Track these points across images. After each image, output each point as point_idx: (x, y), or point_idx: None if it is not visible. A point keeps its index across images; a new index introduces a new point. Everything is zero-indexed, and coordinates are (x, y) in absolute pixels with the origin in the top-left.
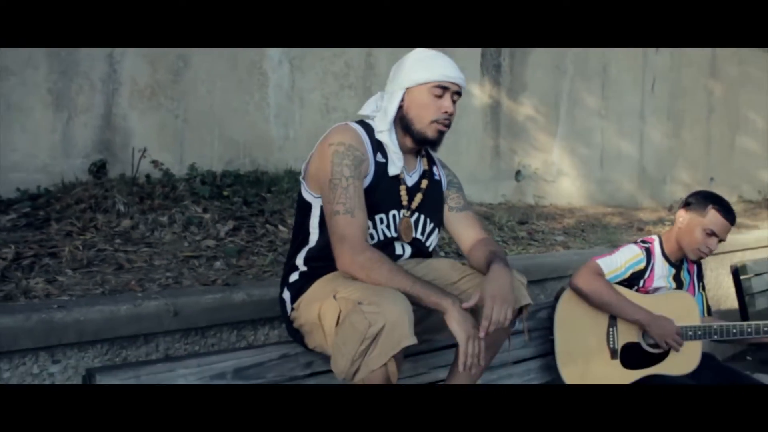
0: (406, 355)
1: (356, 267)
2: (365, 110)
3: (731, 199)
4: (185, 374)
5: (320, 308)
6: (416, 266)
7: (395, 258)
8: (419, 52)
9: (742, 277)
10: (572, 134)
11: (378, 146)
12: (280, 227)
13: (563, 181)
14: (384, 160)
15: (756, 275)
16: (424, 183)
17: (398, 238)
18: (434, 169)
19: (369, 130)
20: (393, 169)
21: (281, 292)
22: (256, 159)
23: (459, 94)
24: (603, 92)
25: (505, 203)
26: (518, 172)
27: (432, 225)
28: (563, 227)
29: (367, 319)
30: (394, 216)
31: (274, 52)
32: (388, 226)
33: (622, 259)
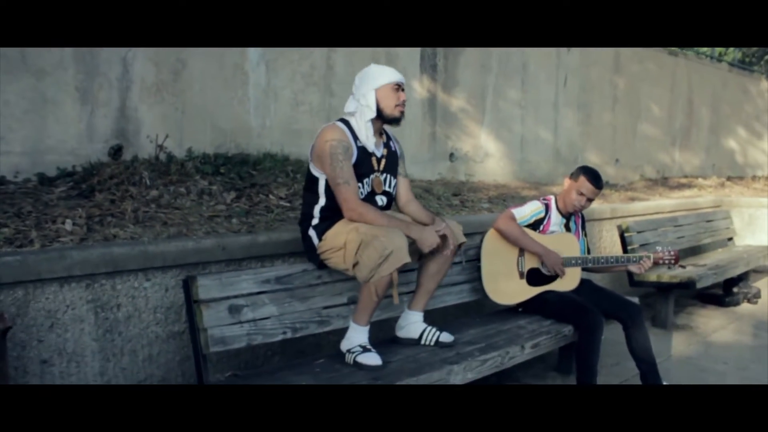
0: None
1: (355, 215)
2: (348, 108)
3: (634, 177)
4: (247, 278)
5: (347, 237)
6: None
7: (378, 207)
8: (375, 66)
9: (626, 235)
10: (497, 122)
11: (356, 136)
12: (270, 196)
13: (489, 162)
14: (361, 144)
15: (637, 233)
16: (385, 151)
17: (374, 192)
18: (391, 143)
19: (349, 125)
20: (369, 148)
21: (305, 231)
22: (240, 144)
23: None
24: (523, 86)
25: (441, 180)
26: (452, 154)
27: (393, 179)
28: (488, 197)
29: (383, 245)
30: (373, 179)
31: (253, 55)
32: (369, 186)
33: (529, 209)
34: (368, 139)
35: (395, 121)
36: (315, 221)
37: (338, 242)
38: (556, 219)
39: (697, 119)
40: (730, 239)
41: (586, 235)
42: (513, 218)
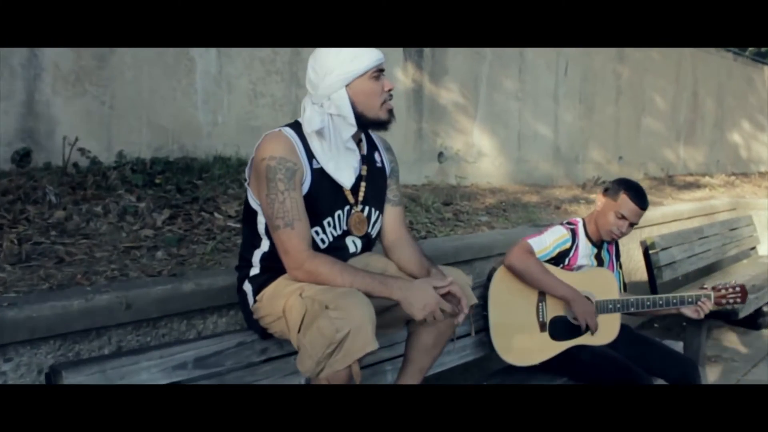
0: None
1: (302, 274)
2: (313, 126)
3: (638, 177)
4: (149, 366)
5: (285, 303)
6: (360, 263)
7: (348, 256)
8: (335, 52)
9: (650, 252)
10: (491, 116)
11: (311, 151)
12: (216, 215)
13: (483, 162)
14: (318, 165)
15: (662, 249)
16: (364, 169)
17: (348, 233)
18: (376, 154)
19: (301, 133)
20: (332, 173)
21: (240, 284)
22: (185, 145)
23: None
24: (520, 76)
25: (428, 184)
26: (440, 154)
27: (377, 214)
28: (486, 207)
29: (334, 325)
30: (339, 216)
31: None
32: (334, 227)
33: (551, 239)
34: (331, 157)
35: (381, 125)
36: (254, 271)
37: (276, 308)
38: (584, 249)
39: (702, 112)
40: (753, 248)
41: (621, 266)
42: (530, 252)
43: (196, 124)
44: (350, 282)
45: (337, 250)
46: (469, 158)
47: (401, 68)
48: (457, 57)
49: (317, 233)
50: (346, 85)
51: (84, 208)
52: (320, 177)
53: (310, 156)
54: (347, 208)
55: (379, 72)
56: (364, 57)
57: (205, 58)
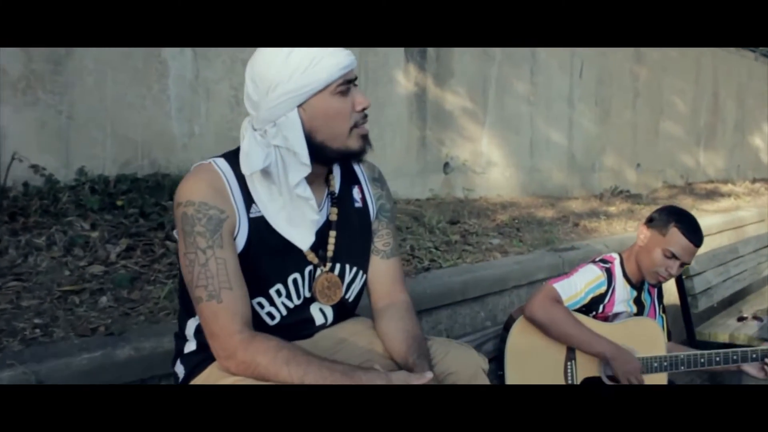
0: None
1: (235, 368)
2: (253, 165)
3: (656, 185)
4: None
5: None
6: (331, 338)
7: (314, 330)
8: (283, 55)
9: (684, 279)
10: (501, 122)
11: (249, 194)
12: None
13: (493, 172)
14: (257, 213)
15: (697, 275)
16: (334, 213)
17: (312, 299)
18: (355, 190)
19: (237, 166)
20: (279, 226)
21: (174, 362)
22: (157, 160)
23: (356, 76)
24: (532, 78)
25: (433, 198)
26: (446, 164)
27: (357, 272)
28: (497, 225)
29: None
30: (295, 281)
31: None
32: (289, 296)
33: (582, 283)
34: (281, 205)
35: (351, 157)
36: (189, 346)
37: None
38: (622, 293)
39: (723, 115)
40: None
41: (665, 311)
42: (557, 300)
43: (170, 136)
44: (300, 377)
45: (295, 325)
46: (478, 168)
47: (402, 70)
48: (463, 57)
49: (261, 306)
50: (299, 105)
51: (23, 240)
52: (262, 228)
53: (248, 199)
54: (308, 269)
55: (347, 84)
56: (326, 63)
57: (179, 60)
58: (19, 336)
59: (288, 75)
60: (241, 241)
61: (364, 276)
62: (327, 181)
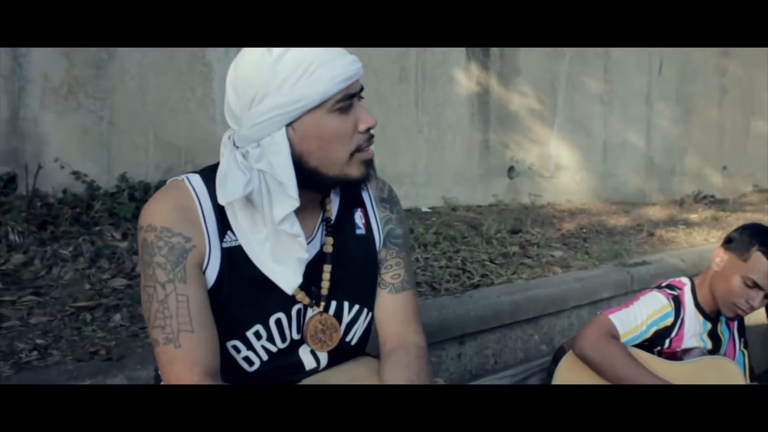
0: None
1: None
2: (230, 192)
3: (745, 189)
4: None
5: None
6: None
7: (302, 376)
8: (272, 59)
9: None
10: (571, 123)
11: (225, 220)
12: None
13: (562, 177)
14: (234, 242)
15: None
16: (329, 243)
17: (302, 341)
18: (357, 215)
19: (213, 187)
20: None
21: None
22: (201, 165)
23: (362, 89)
24: (605, 75)
25: (496, 204)
26: (511, 168)
27: (357, 309)
28: (562, 235)
29: None
30: (279, 321)
31: None
32: (271, 338)
33: (644, 314)
34: (265, 237)
35: (354, 184)
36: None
37: None
38: (693, 325)
39: None
40: None
41: (746, 346)
42: (612, 335)
43: (214, 140)
44: None
45: (279, 370)
46: (545, 173)
47: (463, 69)
48: (530, 55)
49: (237, 350)
50: (288, 124)
51: (50, 250)
52: (238, 260)
53: (224, 225)
54: (296, 308)
55: (349, 99)
56: (323, 72)
57: (224, 62)
58: (12, 359)
59: (276, 85)
60: (211, 274)
61: (370, 314)
62: (323, 205)
